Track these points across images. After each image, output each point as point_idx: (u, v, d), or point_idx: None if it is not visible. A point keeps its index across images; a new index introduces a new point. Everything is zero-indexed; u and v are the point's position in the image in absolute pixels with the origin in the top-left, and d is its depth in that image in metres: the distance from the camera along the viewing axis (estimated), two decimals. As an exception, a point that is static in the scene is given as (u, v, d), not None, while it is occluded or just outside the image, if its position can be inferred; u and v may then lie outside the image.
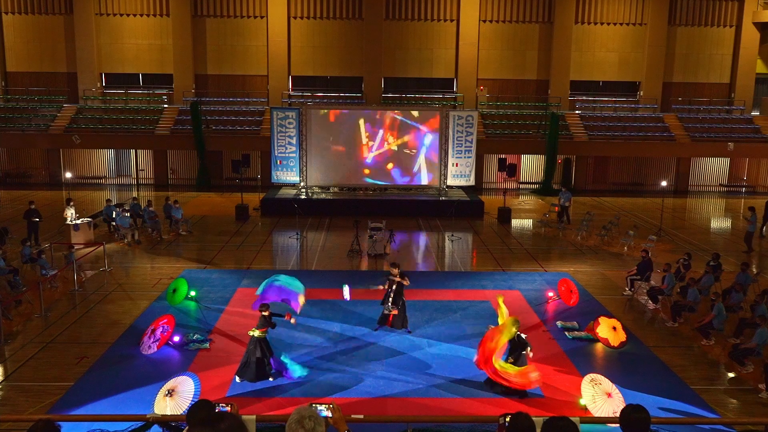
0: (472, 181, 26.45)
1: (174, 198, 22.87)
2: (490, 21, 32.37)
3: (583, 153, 31.05)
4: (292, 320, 10.93)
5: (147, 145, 30.53)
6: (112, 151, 31.87)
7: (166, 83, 32.67)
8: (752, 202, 29.30)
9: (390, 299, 12.22)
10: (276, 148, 25.47)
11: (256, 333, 10.35)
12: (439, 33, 32.38)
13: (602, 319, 12.04)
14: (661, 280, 14.45)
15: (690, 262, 15.63)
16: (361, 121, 25.48)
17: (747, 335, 12.02)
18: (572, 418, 4.13)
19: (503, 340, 9.88)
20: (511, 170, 25.03)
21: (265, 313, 10.41)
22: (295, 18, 32.04)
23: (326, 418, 3.97)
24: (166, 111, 31.62)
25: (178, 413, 8.21)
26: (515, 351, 10.10)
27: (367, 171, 25.77)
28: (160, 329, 11.39)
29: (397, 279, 12.26)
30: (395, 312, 12.26)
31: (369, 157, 25.65)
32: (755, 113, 33.26)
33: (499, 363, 9.84)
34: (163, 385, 9.02)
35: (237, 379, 10.23)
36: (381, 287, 12.52)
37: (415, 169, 25.77)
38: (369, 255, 18.23)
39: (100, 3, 31.68)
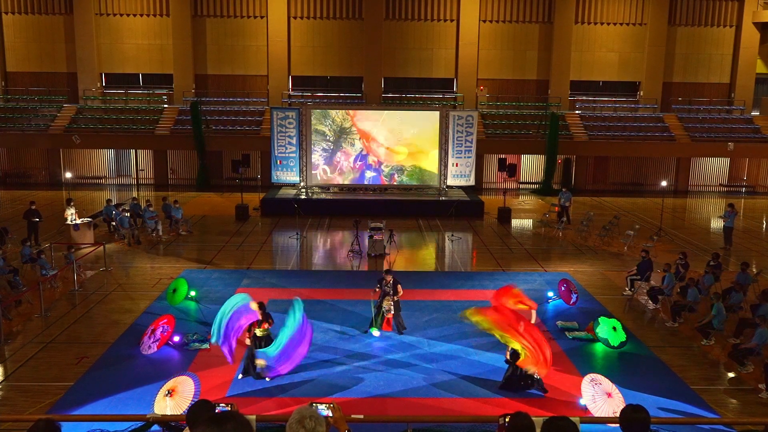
0: (472, 181, 26.45)
1: (174, 198, 22.88)
2: (490, 21, 32.37)
3: (583, 153, 31.05)
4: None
5: (147, 145, 30.53)
6: (112, 151, 31.86)
7: (166, 83, 32.67)
8: (752, 202, 29.34)
9: (386, 303, 12.20)
10: (276, 148, 25.47)
11: (258, 331, 10.42)
12: (439, 33, 32.38)
13: (602, 319, 12.04)
14: (661, 280, 14.45)
15: (687, 261, 15.61)
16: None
17: (747, 335, 12.02)
18: (572, 418, 4.13)
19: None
20: (511, 170, 25.02)
21: (261, 311, 10.42)
22: (295, 18, 32.04)
23: (327, 417, 3.98)
24: (166, 111, 31.62)
25: (178, 413, 8.20)
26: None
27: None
28: (160, 329, 11.39)
29: (390, 286, 12.24)
30: (390, 316, 12.25)
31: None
32: (755, 113, 33.25)
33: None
34: (163, 385, 9.02)
35: (239, 376, 10.27)
36: (374, 291, 12.55)
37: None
38: (369, 255, 18.23)
39: (100, 3, 31.68)
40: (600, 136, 30.84)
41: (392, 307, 12.22)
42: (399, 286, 12.34)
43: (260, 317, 10.43)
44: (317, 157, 25.65)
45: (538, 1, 32.23)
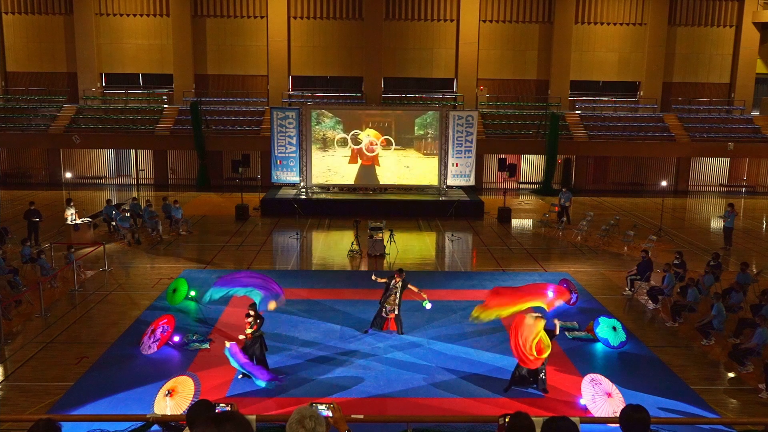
0: (472, 181, 26.44)
1: (174, 198, 22.88)
2: (490, 21, 32.37)
3: (583, 153, 31.05)
4: (273, 304, 10.73)
5: (147, 145, 30.53)
6: (112, 151, 31.87)
7: (166, 83, 32.67)
8: (752, 202, 29.34)
9: (390, 304, 12.19)
10: (276, 148, 25.47)
11: (245, 334, 10.43)
12: (439, 33, 32.38)
13: (602, 319, 12.05)
14: (661, 280, 14.45)
15: (683, 260, 15.58)
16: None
17: (747, 335, 12.02)
18: (572, 418, 4.13)
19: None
20: (511, 170, 25.03)
21: (251, 312, 10.43)
22: (295, 18, 32.04)
23: (327, 417, 3.97)
24: (166, 111, 31.63)
25: (178, 413, 8.20)
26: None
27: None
28: (160, 329, 11.39)
29: (399, 286, 12.21)
30: (393, 316, 12.25)
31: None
32: (755, 113, 33.26)
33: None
34: (163, 385, 9.02)
35: (239, 376, 10.29)
36: (375, 278, 12.62)
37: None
38: (369, 255, 18.23)
39: (100, 3, 31.68)
40: (600, 136, 30.83)
41: (396, 308, 12.22)
42: (410, 285, 12.31)
43: (251, 319, 10.43)
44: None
45: (538, 1, 32.23)
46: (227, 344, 10.08)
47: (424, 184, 25.97)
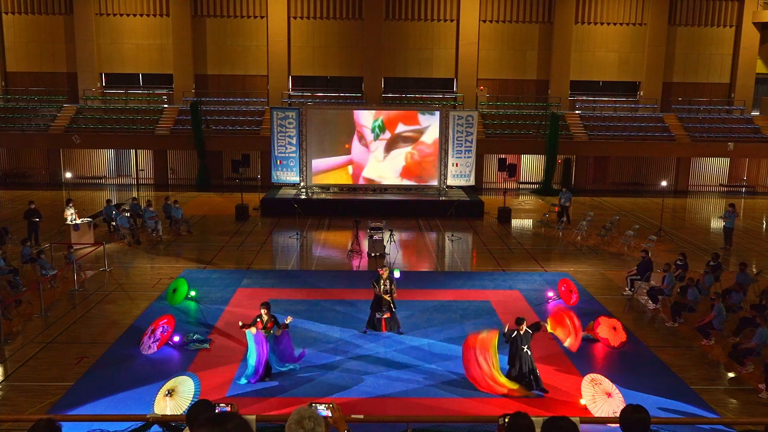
0: (472, 181, 26.44)
1: (174, 198, 22.87)
2: (490, 21, 32.37)
3: (583, 153, 31.05)
4: (288, 318, 10.75)
5: (147, 145, 30.53)
6: (112, 151, 31.87)
7: (166, 83, 32.66)
8: (752, 202, 29.33)
9: (384, 304, 12.17)
10: (276, 148, 25.47)
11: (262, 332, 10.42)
12: (439, 33, 32.38)
13: (602, 319, 12.04)
14: (661, 280, 14.45)
15: (686, 262, 15.60)
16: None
17: (746, 335, 12.02)
18: (572, 418, 4.12)
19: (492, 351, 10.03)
20: (511, 170, 25.03)
21: (263, 312, 10.45)
22: (295, 18, 32.03)
23: (326, 417, 3.97)
24: (166, 111, 31.62)
25: (178, 413, 8.20)
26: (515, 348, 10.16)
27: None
28: (160, 329, 11.39)
29: (387, 283, 12.20)
30: (387, 315, 12.23)
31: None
32: (755, 113, 33.25)
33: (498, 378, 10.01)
34: (163, 385, 9.02)
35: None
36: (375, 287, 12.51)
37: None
38: (369, 255, 18.22)
39: (100, 3, 31.68)
40: (600, 136, 30.83)
41: (391, 306, 12.19)
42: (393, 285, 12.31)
43: (266, 318, 10.42)
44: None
45: (538, 1, 32.22)
46: (253, 330, 10.18)
47: (424, 184, 25.98)
